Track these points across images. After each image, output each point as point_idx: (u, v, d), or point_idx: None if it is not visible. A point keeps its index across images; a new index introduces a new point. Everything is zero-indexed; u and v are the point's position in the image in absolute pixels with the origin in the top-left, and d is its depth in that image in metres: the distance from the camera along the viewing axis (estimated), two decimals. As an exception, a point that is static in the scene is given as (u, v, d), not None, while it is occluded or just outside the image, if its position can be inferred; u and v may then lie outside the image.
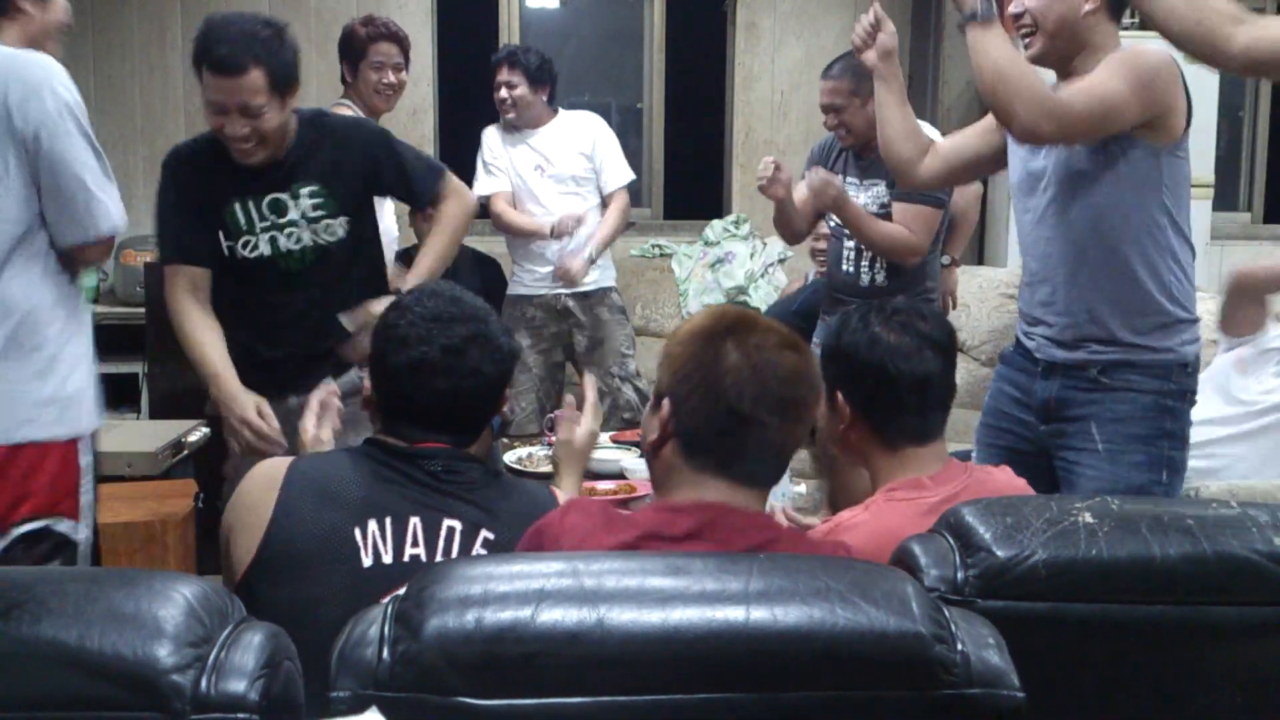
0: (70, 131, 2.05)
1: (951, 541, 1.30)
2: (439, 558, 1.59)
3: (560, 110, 4.03)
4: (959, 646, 1.09)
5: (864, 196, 3.20)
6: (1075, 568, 1.25)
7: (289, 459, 1.73)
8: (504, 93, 3.89)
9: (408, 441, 1.68)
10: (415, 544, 1.60)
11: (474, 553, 1.61)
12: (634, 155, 5.49)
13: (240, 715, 0.98)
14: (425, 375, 1.67)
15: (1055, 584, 1.25)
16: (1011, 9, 2.23)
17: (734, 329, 1.42)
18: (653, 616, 1.06)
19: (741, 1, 5.21)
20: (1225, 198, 5.40)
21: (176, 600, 1.03)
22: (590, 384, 2.18)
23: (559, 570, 1.11)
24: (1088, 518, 1.29)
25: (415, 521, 1.61)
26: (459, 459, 1.68)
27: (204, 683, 0.98)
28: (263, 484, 1.65)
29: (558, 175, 3.93)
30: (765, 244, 5.05)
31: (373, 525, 1.60)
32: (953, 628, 1.10)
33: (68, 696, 0.98)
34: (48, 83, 2.05)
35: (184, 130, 4.84)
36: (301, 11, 4.89)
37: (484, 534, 1.63)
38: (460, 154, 4.21)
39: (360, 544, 1.59)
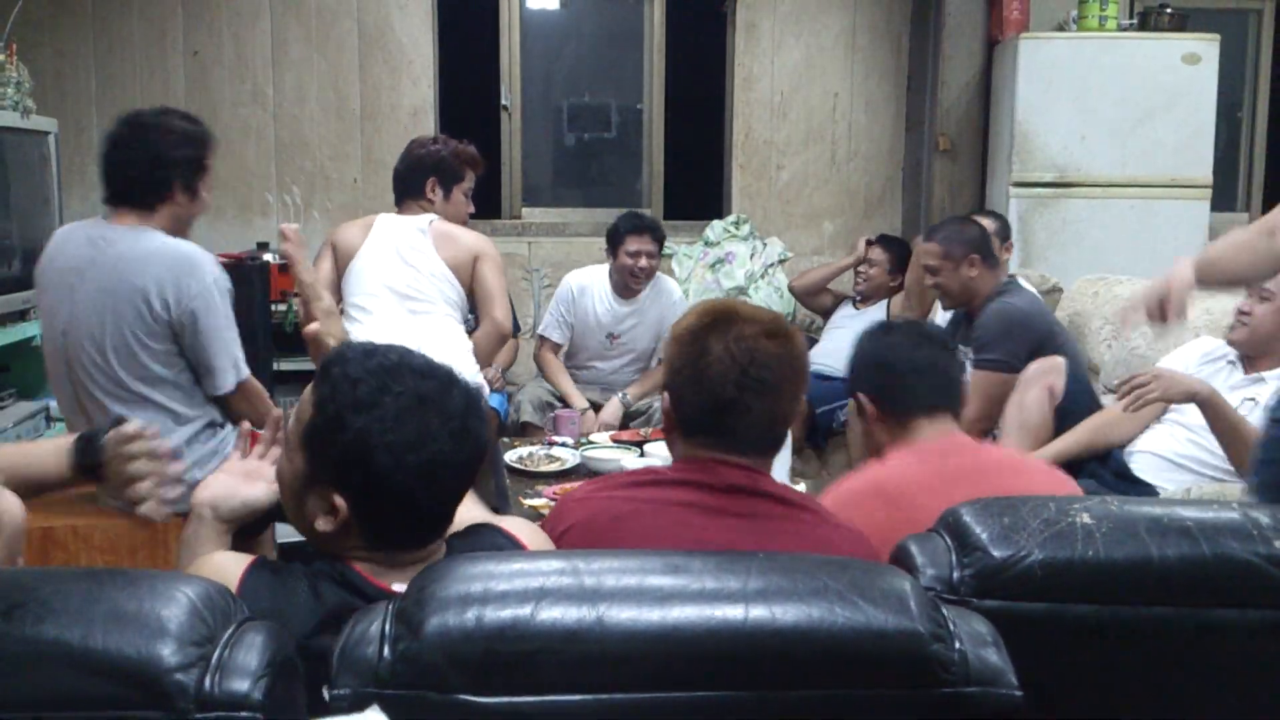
0: (215, 309, 2.52)
1: (948, 541, 1.30)
2: None
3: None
4: (957, 645, 1.09)
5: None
6: (1072, 568, 1.25)
7: (243, 563, 1.38)
8: (644, 262, 3.98)
9: (388, 564, 1.37)
10: None
11: None
12: (634, 155, 5.50)
13: (244, 714, 0.98)
14: (439, 476, 1.34)
15: (1051, 584, 1.25)
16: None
17: (716, 325, 1.61)
18: (652, 615, 1.07)
19: (741, 2, 5.21)
20: (1223, 198, 5.39)
21: (180, 600, 1.03)
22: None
23: (559, 568, 1.11)
24: (1085, 519, 1.29)
25: None
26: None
27: (207, 682, 0.98)
28: None
29: (627, 349, 4.14)
30: (765, 244, 5.06)
31: None
32: (951, 626, 1.10)
33: (71, 696, 0.98)
34: (194, 272, 2.50)
35: (184, 130, 4.85)
36: (302, 12, 4.89)
37: None
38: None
39: None
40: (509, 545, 1.50)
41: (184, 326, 2.50)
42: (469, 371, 3.04)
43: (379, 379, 1.34)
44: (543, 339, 4.21)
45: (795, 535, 1.57)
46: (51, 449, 1.66)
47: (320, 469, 1.36)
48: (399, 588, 1.21)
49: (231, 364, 2.59)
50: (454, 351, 3.06)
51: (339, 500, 1.34)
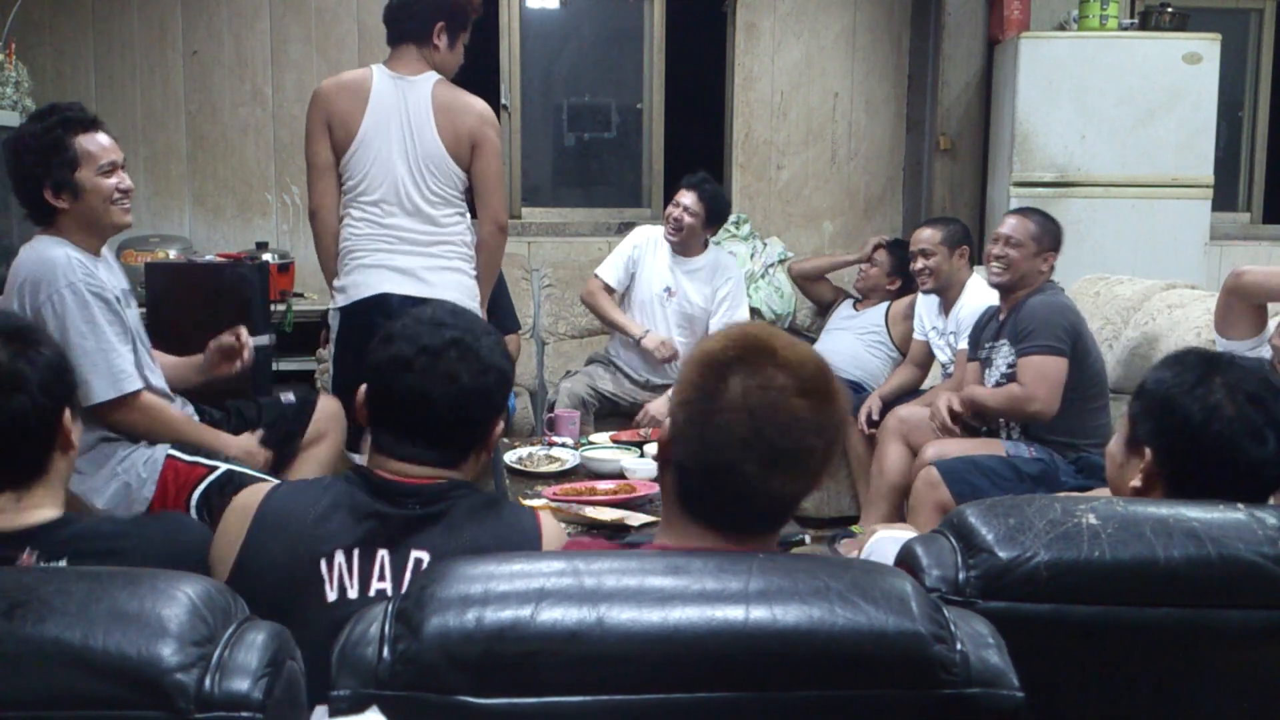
0: (63, 317, 2.38)
1: (954, 542, 1.29)
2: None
3: (709, 245, 4.27)
4: (958, 646, 1.09)
5: (997, 358, 3.40)
6: (1077, 569, 1.25)
7: (268, 486, 1.71)
8: (678, 212, 4.10)
9: (394, 456, 1.67)
10: (382, 578, 1.58)
11: None
12: (634, 155, 5.50)
13: (244, 714, 0.98)
14: (399, 372, 1.66)
15: (1057, 585, 1.24)
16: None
17: (744, 358, 1.25)
18: (652, 616, 1.06)
19: (741, 1, 5.21)
20: (1224, 198, 5.40)
21: (180, 599, 1.03)
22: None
23: (559, 569, 1.11)
24: (1091, 519, 1.28)
25: (383, 554, 1.59)
26: (439, 494, 1.64)
27: (208, 681, 0.98)
28: (237, 517, 1.65)
29: (681, 308, 4.15)
30: (765, 244, 5.05)
31: (339, 557, 1.58)
32: (952, 627, 1.10)
33: (72, 696, 0.98)
34: (41, 281, 2.39)
35: (184, 130, 4.85)
36: (302, 12, 4.89)
37: None
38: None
39: (325, 577, 1.57)
40: (527, 526, 1.68)
41: None
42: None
43: (406, 317, 1.74)
44: (597, 277, 4.25)
45: None
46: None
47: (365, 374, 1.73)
48: (405, 480, 1.64)
49: (100, 374, 2.41)
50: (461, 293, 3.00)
51: (361, 392, 1.72)
